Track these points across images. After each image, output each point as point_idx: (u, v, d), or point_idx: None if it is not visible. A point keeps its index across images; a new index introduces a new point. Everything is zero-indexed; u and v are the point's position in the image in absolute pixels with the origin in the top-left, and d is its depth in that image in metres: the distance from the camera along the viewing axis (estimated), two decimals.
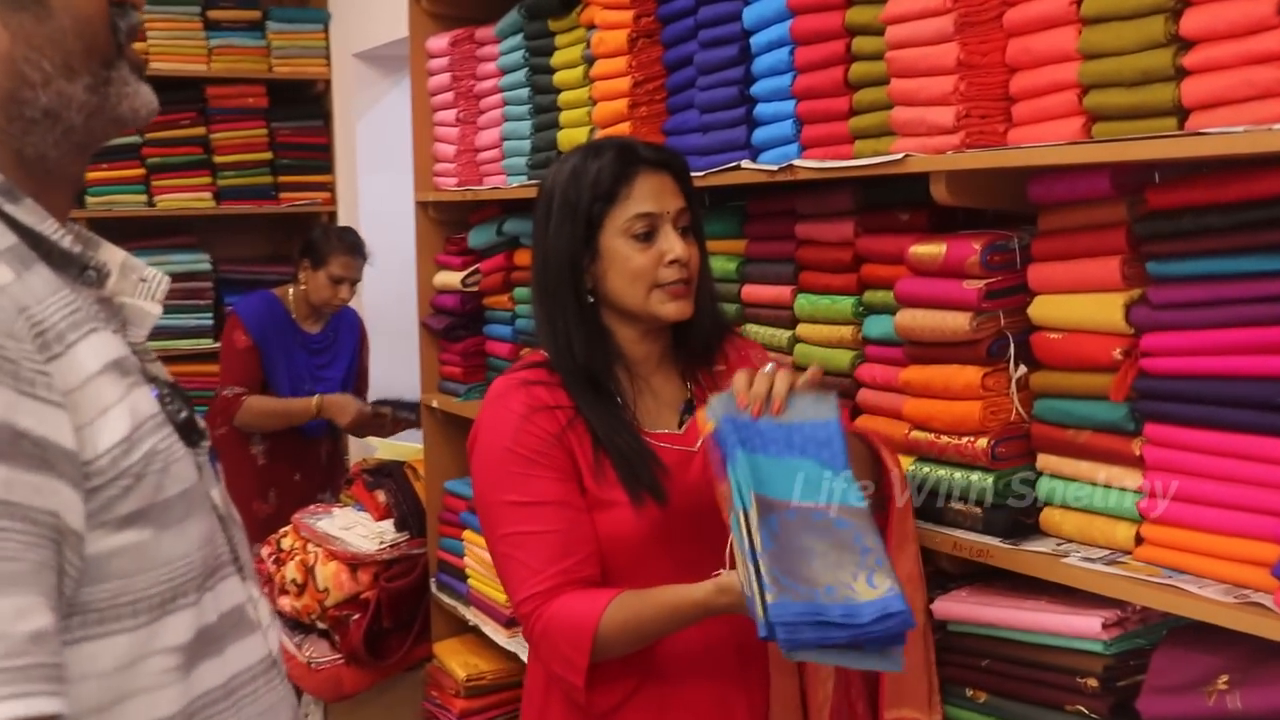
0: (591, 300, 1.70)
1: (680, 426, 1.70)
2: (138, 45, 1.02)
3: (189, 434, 0.99)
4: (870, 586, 1.31)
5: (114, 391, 0.91)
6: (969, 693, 1.72)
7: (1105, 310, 1.55)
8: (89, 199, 4.51)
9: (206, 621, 0.98)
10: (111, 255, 1.03)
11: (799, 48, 1.96)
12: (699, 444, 1.62)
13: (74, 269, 0.97)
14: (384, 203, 4.54)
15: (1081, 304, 1.59)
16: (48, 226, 0.95)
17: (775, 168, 1.97)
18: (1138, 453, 1.55)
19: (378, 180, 4.61)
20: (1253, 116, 1.36)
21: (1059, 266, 1.62)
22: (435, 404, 3.13)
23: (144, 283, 1.04)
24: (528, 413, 1.63)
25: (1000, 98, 1.66)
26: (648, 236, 1.66)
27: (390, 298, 4.34)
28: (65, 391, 0.87)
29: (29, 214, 0.94)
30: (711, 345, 1.78)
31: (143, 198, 4.64)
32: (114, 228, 4.00)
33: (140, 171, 4.63)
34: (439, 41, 2.99)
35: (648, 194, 1.67)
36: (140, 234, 4.56)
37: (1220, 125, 1.39)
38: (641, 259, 1.66)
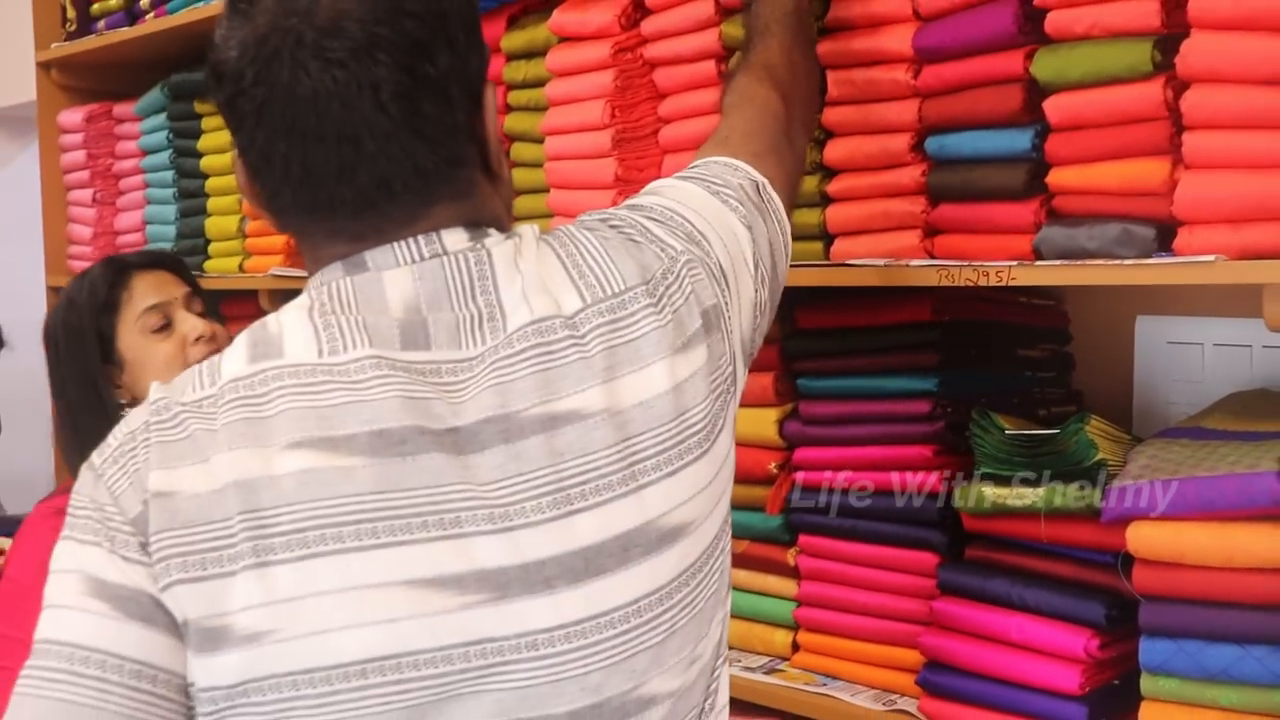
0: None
1: None
2: None
3: None
4: None
5: None
6: None
7: (760, 425, 1.60)
8: None
9: None
10: None
11: None
12: None
13: None
14: (13, 278, 4.18)
15: (737, 418, 1.62)
16: None
17: None
18: (792, 562, 1.60)
19: (4, 253, 4.25)
20: (889, 247, 1.43)
21: None
22: None
23: None
24: None
25: None
26: (164, 327, 1.69)
27: (20, 382, 3.99)
28: None
29: None
30: None
31: None
32: None
33: None
34: (73, 116, 2.79)
35: (148, 289, 1.71)
36: None
37: (861, 252, 1.46)
38: (166, 347, 1.69)
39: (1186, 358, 1.57)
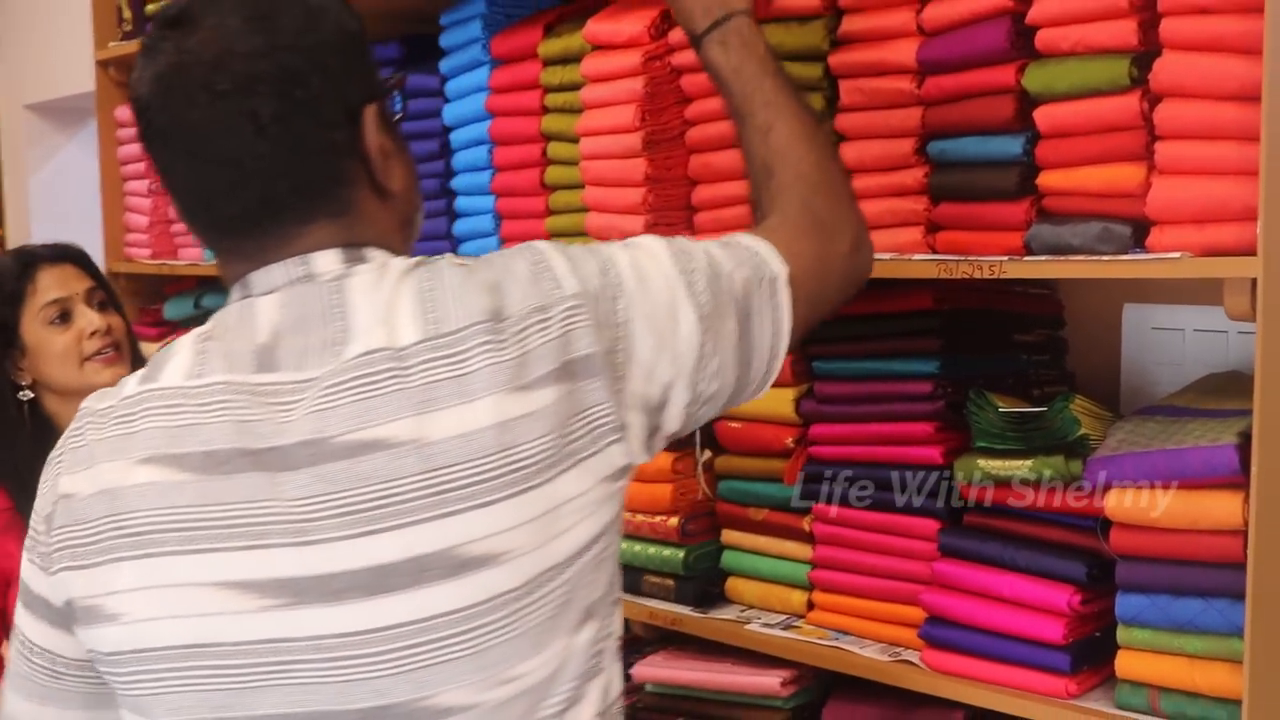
0: (31, 396, 1.88)
1: None
2: None
3: None
4: None
5: None
6: None
7: (778, 403, 1.74)
8: None
9: None
10: None
11: (497, 147, 2.07)
12: None
13: None
14: None
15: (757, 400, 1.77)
16: None
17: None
18: (808, 529, 1.74)
19: (55, 237, 4.41)
20: (894, 242, 1.57)
21: None
22: None
23: None
24: None
25: (684, 208, 1.82)
26: (64, 318, 1.89)
27: None
28: None
29: None
30: None
31: None
32: None
33: None
34: (129, 112, 2.92)
35: (52, 284, 1.91)
36: None
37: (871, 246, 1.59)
38: (64, 339, 1.88)
39: (1169, 342, 1.70)
